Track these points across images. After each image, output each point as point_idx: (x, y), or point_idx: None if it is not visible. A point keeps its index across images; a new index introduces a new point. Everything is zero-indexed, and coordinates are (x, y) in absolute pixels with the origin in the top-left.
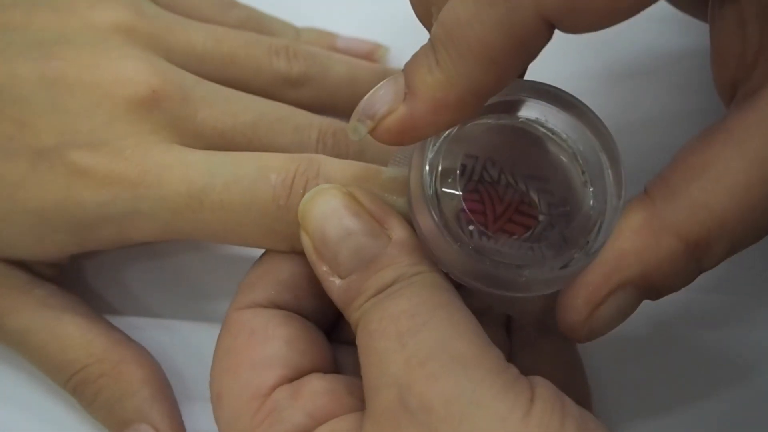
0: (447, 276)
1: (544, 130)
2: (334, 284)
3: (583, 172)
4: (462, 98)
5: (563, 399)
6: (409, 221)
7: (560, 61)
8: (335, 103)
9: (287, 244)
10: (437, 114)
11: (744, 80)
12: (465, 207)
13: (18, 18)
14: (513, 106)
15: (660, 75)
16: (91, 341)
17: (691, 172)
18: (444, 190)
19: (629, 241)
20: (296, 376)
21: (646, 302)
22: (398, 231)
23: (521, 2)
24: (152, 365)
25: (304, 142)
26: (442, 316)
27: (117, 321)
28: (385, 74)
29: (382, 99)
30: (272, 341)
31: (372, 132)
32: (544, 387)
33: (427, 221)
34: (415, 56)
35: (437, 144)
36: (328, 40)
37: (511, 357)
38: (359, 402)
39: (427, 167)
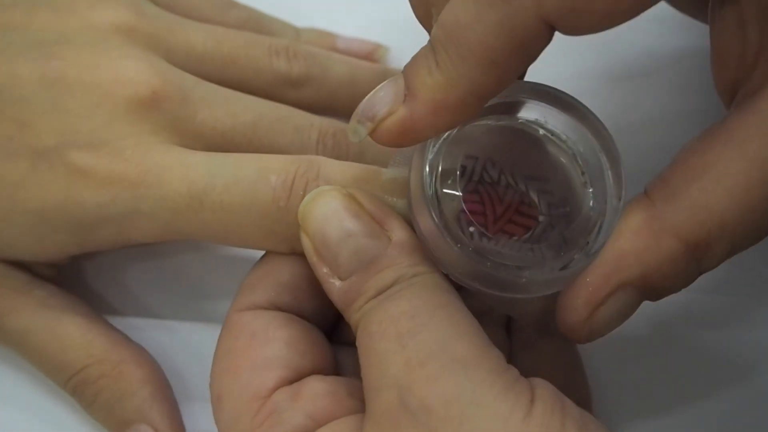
0: (447, 277)
1: (544, 132)
2: (334, 286)
3: (582, 173)
4: (462, 100)
5: (563, 400)
6: (409, 222)
7: (560, 62)
8: (335, 103)
9: (287, 245)
10: (437, 115)
11: (744, 81)
12: (465, 208)
13: (18, 18)
14: (513, 108)
15: (660, 76)
16: (91, 341)
17: (691, 173)
18: (444, 191)
19: (629, 242)
20: (296, 377)
21: (646, 303)
22: (398, 232)
23: (521, 4)
24: (152, 365)
25: (304, 142)
26: (442, 317)
27: (117, 321)
28: (385, 75)
29: (382, 100)
30: (272, 343)
31: (372, 133)
32: (544, 388)
33: (427, 222)
34: (415, 58)
35: (437, 145)
36: (328, 41)
37: (511, 358)
38: (359, 403)
39: (427, 168)
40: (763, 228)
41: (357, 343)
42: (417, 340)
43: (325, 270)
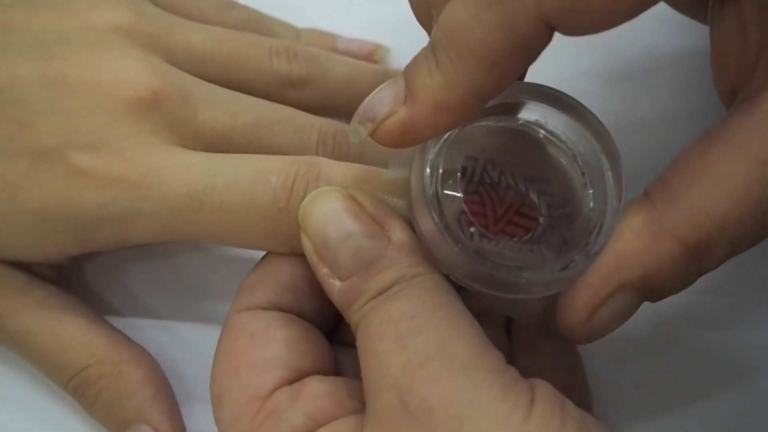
0: (447, 278)
1: (544, 132)
2: (334, 286)
3: (583, 174)
4: (462, 101)
5: (563, 401)
6: (410, 223)
7: (560, 62)
8: (335, 104)
9: (288, 246)
10: (437, 116)
11: (744, 82)
12: (466, 209)
13: (18, 18)
14: (513, 108)
15: (660, 76)
16: (91, 342)
17: (691, 174)
18: (445, 192)
19: (629, 243)
20: (296, 378)
21: (646, 303)
22: (398, 233)
23: (521, 5)
24: (152, 366)
25: (304, 143)
26: (442, 317)
27: (117, 322)
28: (385, 75)
29: (382, 101)
30: (272, 343)
31: (372, 134)
32: (544, 389)
33: (427, 223)
34: (416, 59)
35: (438, 146)
36: (328, 41)
37: (511, 358)
38: (359, 404)
39: (428, 169)
40: (763, 229)
41: (357, 344)
42: (417, 340)
43: (325, 270)
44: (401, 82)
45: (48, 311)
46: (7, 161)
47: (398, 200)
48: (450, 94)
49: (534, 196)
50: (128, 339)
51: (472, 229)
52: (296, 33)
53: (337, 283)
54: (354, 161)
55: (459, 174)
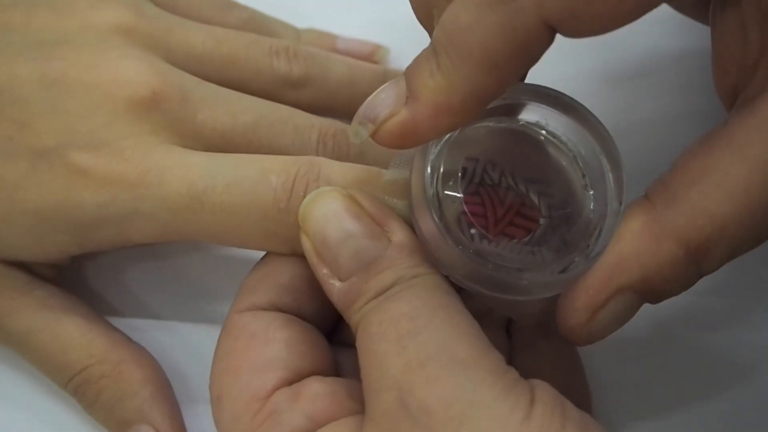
0: (447, 278)
1: (545, 134)
2: (334, 287)
3: (583, 176)
4: (463, 102)
5: (563, 402)
6: (410, 224)
7: (561, 62)
8: (335, 104)
9: (288, 246)
10: (438, 118)
11: (745, 84)
12: (466, 210)
13: (18, 18)
14: (514, 109)
15: (661, 76)
16: (91, 341)
17: (692, 176)
18: (445, 192)
19: (630, 245)
20: (296, 378)
21: (646, 304)
22: (398, 233)
23: (523, 7)
24: (153, 366)
25: (304, 143)
26: (442, 318)
27: (117, 322)
28: (385, 75)
29: (383, 102)
30: (272, 344)
31: (373, 135)
32: (543, 390)
33: (428, 224)
34: (417, 60)
35: (439, 147)
36: (328, 42)
37: (511, 359)
38: (359, 405)
39: (429, 170)
40: (763, 231)
41: (357, 345)
42: (417, 341)
43: (325, 271)
44: (402, 83)
45: (48, 311)
46: (7, 161)
47: (398, 201)
48: (451, 95)
49: (534, 197)
50: (128, 339)
51: (472, 231)
52: (296, 33)
53: (337, 283)
54: (354, 161)
55: (460, 175)
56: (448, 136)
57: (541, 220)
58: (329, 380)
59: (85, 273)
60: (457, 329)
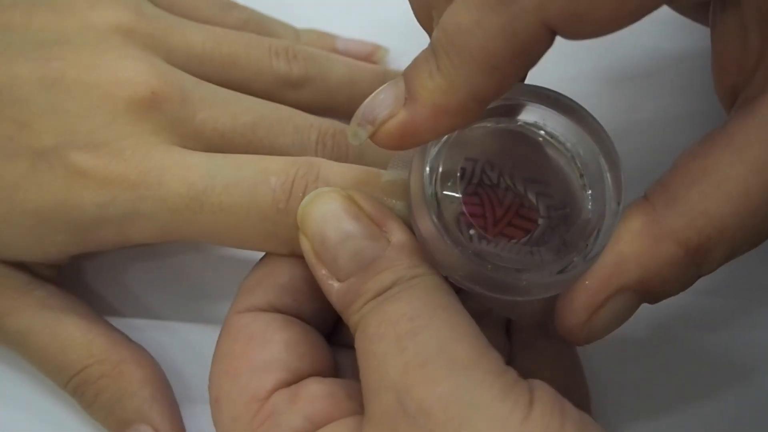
0: (446, 279)
1: (544, 134)
2: (333, 287)
3: (581, 176)
4: (463, 104)
5: (562, 402)
6: (409, 225)
7: (561, 63)
8: (335, 104)
9: (287, 247)
10: (438, 119)
11: (744, 86)
12: (465, 210)
13: (18, 18)
14: (513, 110)
15: (660, 77)
16: (91, 341)
17: (691, 177)
18: (444, 193)
19: (629, 245)
20: (295, 379)
21: (645, 304)
22: (397, 234)
23: (523, 9)
24: (152, 366)
25: (303, 143)
26: (442, 318)
27: (117, 322)
28: (384, 76)
29: (382, 103)
30: (271, 345)
31: (372, 137)
32: (542, 390)
33: (427, 224)
34: (416, 61)
35: (437, 147)
36: (327, 42)
37: (510, 359)
38: (358, 406)
39: (428, 170)
40: (762, 232)
41: (355, 345)
42: (416, 341)
43: (323, 271)
44: (401, 84)
45: (48, 311)
46: (6, 161)
47: (397, 201)
48: (450, 97)
49: (533, 198)
50: (128, 339)
51: (471, 231)
52: (296, 33)
53: (336, 284)
54: (353, 162)
55: (458, 175)
56: (447, 136)
57: (540, 221)
58: (328, 381)
59: (85, 273)
60: (456, 330)
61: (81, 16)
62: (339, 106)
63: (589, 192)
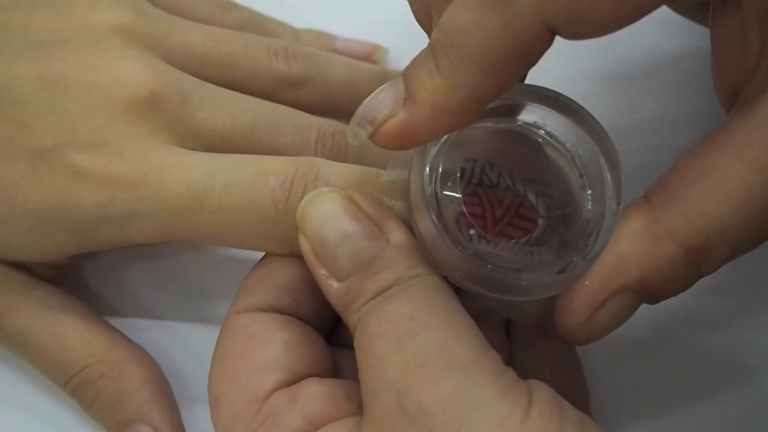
0: (446, 279)
1: (543, 134)
2: (332, 287)
3: (581, 176)
4: (462, 104)
5: (561, 402)
6: (408, 225)
7: (561, 63)
8: (334, 104)
9: (286, 247)
10: (437, 119)
11: (744, 86)
12: (465, 210)
13: (18, 18)
14: (512, 110)
15: (660, 77)
16: (91, 341)
17: (691, 177)
18: (444, 193)
19: (629, 245)
20: (294, 380)
21: (645, 305)
22: (397, 234)
23: (523, 9)
24: (152, 366)
25: (303, 143)
26: (441, 318)
27: (117, 322)
28: (384, 76)
29: (381, 103)
30: (271, 345)
31: (372, 137)
32: (542, 390)
33: (426, 224)
34: (415, 61)
35: (437, 147)
36: (327, 42)
37: (510, 359)
38: (357, 406)
39: (428, 170)
40: (762, 233)
41: (355, 345)
42: (415, 342)
43: (323, 272)
44: (401, 84)
45: (48, 311)
46: (6, 161)
47: (397, 201)
48: (450, 97)
49: (533, 198)
50: (128, 339)
51: (471, 231)
52: (295, 33)
53: (335, 284)
54: (353, 162)
55: (458, 175)
56: (446, 136)
57: (540, 221)
58: (327, 381)
59: (85, 273)
60: (455, 330)
61: (81, 16)
62: (338, 106)
63: (589, 192)
